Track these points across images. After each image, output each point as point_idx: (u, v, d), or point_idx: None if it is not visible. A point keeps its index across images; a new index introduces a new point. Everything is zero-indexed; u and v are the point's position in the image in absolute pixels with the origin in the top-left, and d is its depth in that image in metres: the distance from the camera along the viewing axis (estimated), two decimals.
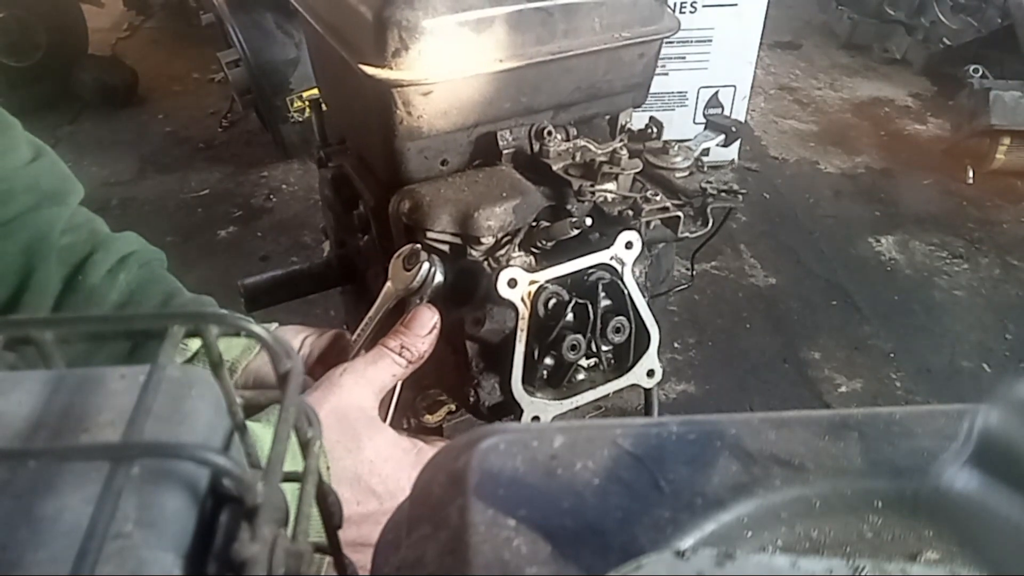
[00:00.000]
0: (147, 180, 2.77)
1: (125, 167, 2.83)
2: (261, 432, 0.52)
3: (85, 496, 0.25)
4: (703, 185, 1.05)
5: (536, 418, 0.98)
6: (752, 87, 2.41)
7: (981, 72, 2.48)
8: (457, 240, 0.92)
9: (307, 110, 2.47)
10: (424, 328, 0.78)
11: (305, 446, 0.31)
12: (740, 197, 1.03)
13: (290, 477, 0.29)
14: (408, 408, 1.32)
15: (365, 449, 0.63)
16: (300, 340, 0.80)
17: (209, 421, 0.29)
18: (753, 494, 0.32)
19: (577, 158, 1.01)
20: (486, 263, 0.93)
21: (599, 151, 1.00)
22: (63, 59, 3.27)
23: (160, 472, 0.26)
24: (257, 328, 0.29)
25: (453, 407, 1.33)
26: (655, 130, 1.10)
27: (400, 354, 0.74)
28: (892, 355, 1.81)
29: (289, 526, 0.29)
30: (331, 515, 0.35)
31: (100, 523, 0.22)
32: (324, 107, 1.23)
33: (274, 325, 0.78)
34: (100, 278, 0.70)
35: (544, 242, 0.96)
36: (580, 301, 0.93)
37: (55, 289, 0.68)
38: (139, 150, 2.95)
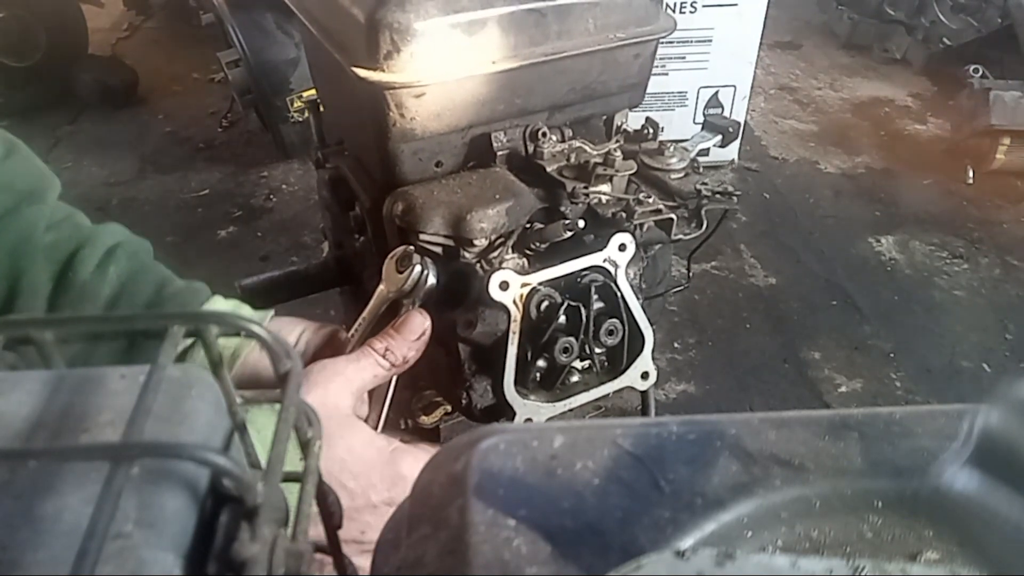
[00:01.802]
0: (147, 180, 2.77)
1: (125, 167, 2.83)
2: (261, 418, 0.53)
3: (85, 496, 0.25)
4: (698, 187, 1.05)
5: (529, 420, 0.98)
6: (752, 87, 2.41)
7: (981, 72, 2.48)
8: (450, 242, 0.92)
9: (307, 110, 2.47)
10: (413, 333, 0.78)
11: (305, 446, 0.31)
12: (735, 199, 1.03)
13: (290, 477, 0.29)
14: (404, 409, 1.32)
15: (337, 447, 0.63)
16: (297, 334, 0.79)
17: (209, 421, 0.29)
18: (753, 494, 0.32)
19: (572, 159, 1.01)
20: (479, 265, 0.93)
21: (594, 152, 1.00)
22: (63, 59, 3.27)
23: (160, 472, 0.26)
24: (257, 328, 0.29)
25: (449, 408, 1.33)
26: (651, 131, 1.10)
27: (384, 356, 0.73)
28: (892, 355, 1.81)
29: (289, 526, 0.29)
30: (331, 515, 0.35)
31: (100, 523, 0.22)
32: (321, 108, 1.23)
33: (270, 314, 0.77)
34: (90, 273, 0.69)
35: (537, 244, 0.95)
36: (573, 303, 0.93)
37: (46, 289, 0.67)
38: (139, 150, 2.95)
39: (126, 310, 0.70)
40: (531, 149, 1.01)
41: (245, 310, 0.73)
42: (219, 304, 0.72)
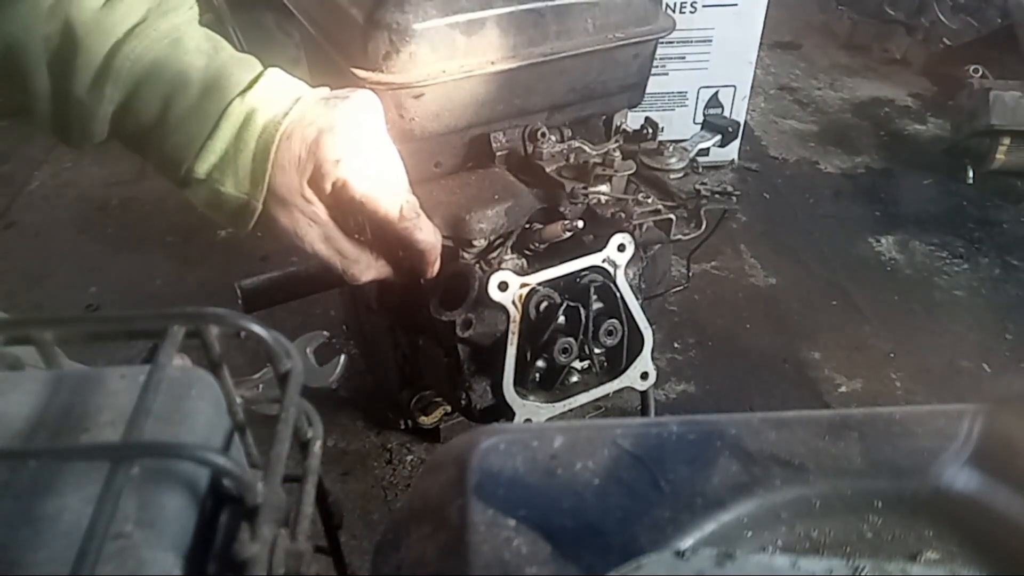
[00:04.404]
0: (147, 180, 2.76)
1: (125, 167, 2.83)
2: None
3: (85, 496, 0.25)
4: (697, 187, 1.05)
5: (528, 421, 0.99)
6: (752, 87, 2.41)
7: (981, 72, 2.48)
8: (449, 243, 0.92)
9: None
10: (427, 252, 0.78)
11: (305, 446, 0.31)
12: (735, 198, 1.03)
13: (290, 477, 0.29)
14: (404, 409, 1.32)
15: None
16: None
17: (209, 421, 0.29)
18: (753, 494, 0.33)
19: (571, 160, 1.01)
20: (478, 266, 0.93)
21: (593, 152, 1.00)
22: None
23: (160, 472, 0.26)
24: (257, 328, 0.29)
25: (449, 408, 1.33)
26: (651, 131, 1.10)
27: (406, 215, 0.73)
28: (892, 355, 1.81)
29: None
30: (331, 515, 0.35)
31: (100, 523, 0.22)
32: None
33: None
34: (86, 92, 0.61)
35: (537, 244, 0.96)
36: (572, 304, 0.93)
37: (47, 102, 0.62)
38: None
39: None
40: (530, 149, 1.01)
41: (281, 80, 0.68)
42: (269, 80, 0.66)
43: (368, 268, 0.77)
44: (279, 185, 0.66)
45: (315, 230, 0.71)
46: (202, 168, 0.64)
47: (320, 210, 0.69)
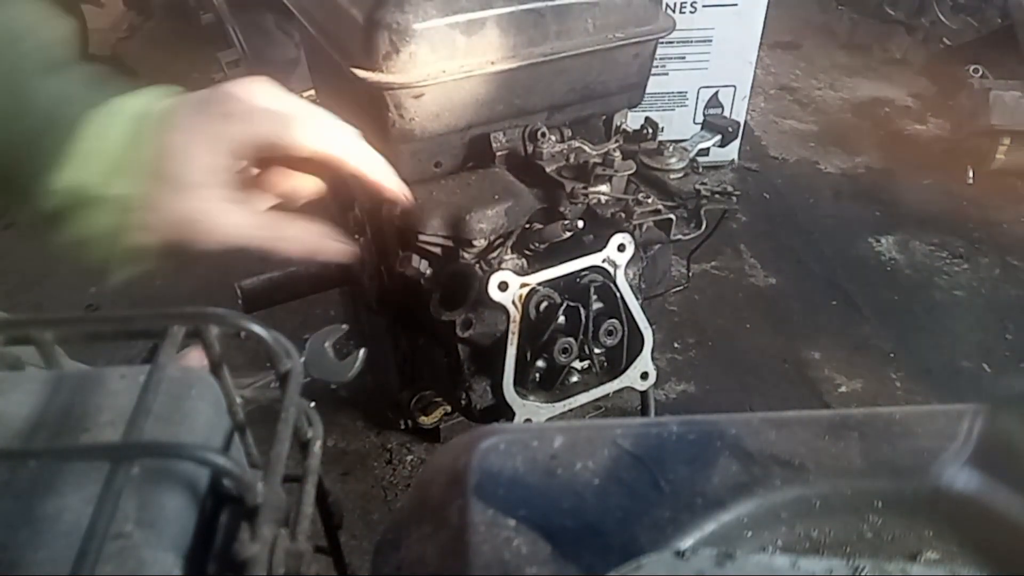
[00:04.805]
0: None
1: None
2: None
3: (85, 496, 0.25)
4: (697, 187, 1.05)
5: (528, 421, 0.99)
6: (752, 87, 2.41)
7: (981, 72, 2.48)
8: (449, 243, 0.92)
9: None
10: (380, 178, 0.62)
11: (305, 446, 0.31)
12: (734, 198, 1.03)
13: (290, 477, 0.29)
14: (404, 409, 1.32)
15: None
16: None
17: (209, 421, 0.29)
18: (753, 494, 0.33)
19: (571, 160, 1.01)
20: (478, 266, 0.93)
21: (593, 152, 1.00)
22: None
23: (160, 472, 0.26)
24: (257, 328, 0.29)
25: (449, 408, 1.33)
26: (651, 131, 1.10)
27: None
28: (892, 355, 1.81)
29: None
30: (331, 515, 0.35)
31: (100, 523, 0.22)
32: None
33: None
34: None
35: (537, 244, 0.96)
36: (572, 304, 0.93)
37: None
38: None
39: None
40: (530, 149, 1.01)
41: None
42: (120, 105, 0.54)
43: (307, 233, 0.61)
44: (173, 172, 0.54)
45: (237, 210, 0.57)
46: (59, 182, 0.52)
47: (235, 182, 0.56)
